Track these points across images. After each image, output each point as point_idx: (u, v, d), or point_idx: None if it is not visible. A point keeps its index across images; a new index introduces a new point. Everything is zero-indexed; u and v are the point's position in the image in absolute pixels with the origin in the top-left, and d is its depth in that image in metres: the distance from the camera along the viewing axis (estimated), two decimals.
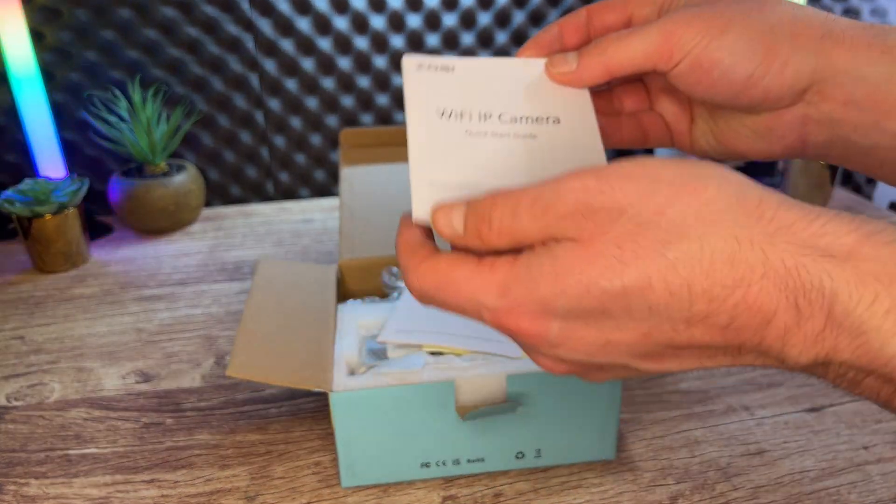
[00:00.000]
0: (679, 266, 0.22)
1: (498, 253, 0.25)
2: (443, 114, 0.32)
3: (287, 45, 0.92)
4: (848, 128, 0.32)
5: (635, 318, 0.23)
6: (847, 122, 0.32)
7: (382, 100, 0.98)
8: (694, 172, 0.23)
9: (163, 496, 0.47)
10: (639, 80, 0.38)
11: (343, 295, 0.60)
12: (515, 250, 0.25)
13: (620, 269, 0.23)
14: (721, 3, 0.31)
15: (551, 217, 0.24)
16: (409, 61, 0.34)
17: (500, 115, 0.33)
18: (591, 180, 0.23)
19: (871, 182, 1.22)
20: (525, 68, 0.35)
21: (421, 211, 0.29)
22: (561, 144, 0.32)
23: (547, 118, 0.33)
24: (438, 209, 0.27)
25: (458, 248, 0.27)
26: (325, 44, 0.93)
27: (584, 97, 0.34)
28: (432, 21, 0.94)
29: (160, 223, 0.85)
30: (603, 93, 0.38)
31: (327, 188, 1.01)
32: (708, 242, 0.22)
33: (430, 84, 0.34)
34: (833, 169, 0.89)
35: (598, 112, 0.34)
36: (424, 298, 0.27)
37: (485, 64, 0.35)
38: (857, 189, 1.22)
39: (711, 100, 0.32)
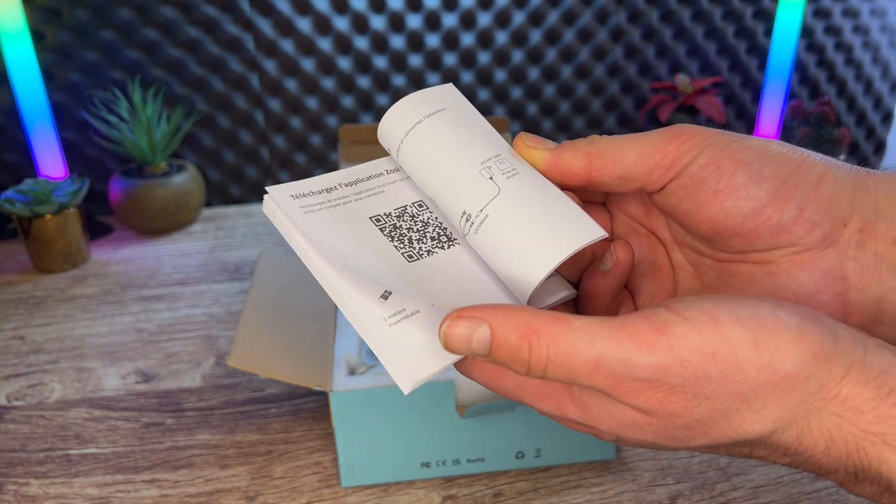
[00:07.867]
0: (754, 448, 0.24)
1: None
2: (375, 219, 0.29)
3: (287, 46, 0.92)
4: None
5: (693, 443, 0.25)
6: None
7: (382, 100, 0.98)
8: (773, 345, 0.21)
9: (163, 496, 0.47)
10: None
11: None
12: None
13: (686, 443, 0.24)
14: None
15: (619, 388, 0.22)
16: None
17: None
18: (668, 360, 0.21)
19: None
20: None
21: (411, 374, 0.24)
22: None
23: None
24: (453, 325, 0.23)
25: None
26: (325, 44, 0.93)
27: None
28: (432, 21, 0.94)
29: (160, 223, 0.85)
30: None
31: None
32: (784, 428, 0.23)
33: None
34: None
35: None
36: None
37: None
38: None
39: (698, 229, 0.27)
